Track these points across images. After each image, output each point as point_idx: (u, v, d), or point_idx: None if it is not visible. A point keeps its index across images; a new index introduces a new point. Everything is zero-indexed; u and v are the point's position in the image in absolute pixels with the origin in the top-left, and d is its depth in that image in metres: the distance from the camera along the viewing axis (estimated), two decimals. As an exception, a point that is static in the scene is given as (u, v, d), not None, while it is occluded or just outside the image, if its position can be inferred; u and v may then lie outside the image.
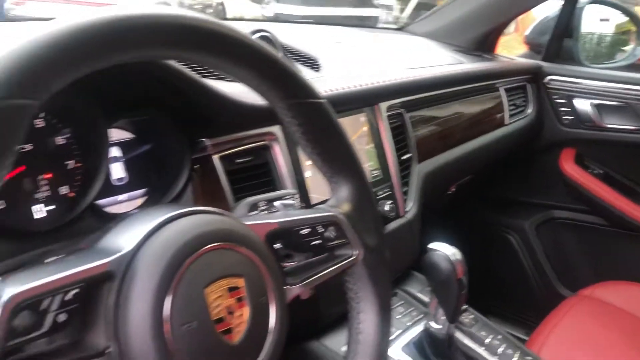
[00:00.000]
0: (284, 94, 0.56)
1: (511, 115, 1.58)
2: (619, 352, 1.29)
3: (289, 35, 1.15)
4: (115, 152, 0.75)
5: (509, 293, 1.93)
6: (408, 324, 1.00)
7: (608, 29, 2.02)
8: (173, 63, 0.69)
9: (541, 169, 1.81)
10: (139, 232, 0.47)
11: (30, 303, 0.39)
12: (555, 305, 1.45)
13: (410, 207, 1.13)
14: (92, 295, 0.43)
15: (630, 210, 1.64)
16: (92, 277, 0.42)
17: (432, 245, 0.90)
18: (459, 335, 0.99)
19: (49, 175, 0.68)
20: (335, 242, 0.62)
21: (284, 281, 0.56)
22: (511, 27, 2.14)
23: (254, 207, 0.63)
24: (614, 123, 1.60)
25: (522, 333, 1.84)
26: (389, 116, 1.10)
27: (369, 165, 1.05)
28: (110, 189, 0.73)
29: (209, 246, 0.48)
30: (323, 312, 0.90)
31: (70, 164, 0.70)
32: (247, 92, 0.83)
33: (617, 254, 1.75)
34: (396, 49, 1.51)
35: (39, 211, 0.67)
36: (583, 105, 1.64)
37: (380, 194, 1.05)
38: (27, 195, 0.66)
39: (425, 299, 1.07)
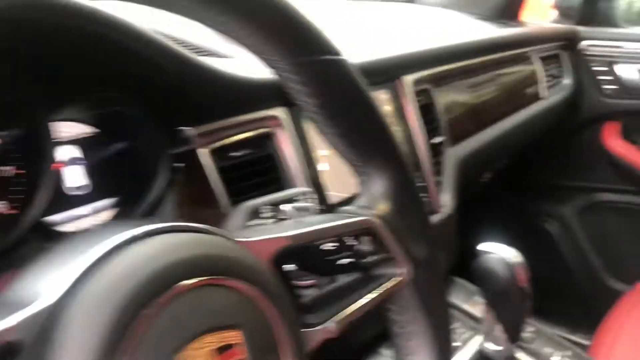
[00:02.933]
0: (290, 50, 0.38)
1: (547, 88, 1.38)
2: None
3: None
4: (71, 152, 0.57)
5: (551, 291, 1.73)
6: (456, 344, 0.82)
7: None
8: (137, 26, 0.51)
9: (581, 147, 1.61)
10: (71, 270, 0.29)
11: None
12: (606, 301, 1.27)
13: (446, 201, 0.94)
14: None
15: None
16: None
17: (483, 247, 0.71)
18: (520, 356, 0.81)
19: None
20: (372, 257, 0.44)
21: (302, 322, 0.38)
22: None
23: (254, 214, 0.44)
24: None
25: (569, 333, 1.65)
26: (415, 92, 0.92)
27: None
28: (66, 201, 0.55)
29: (183, 283, 0.30)
30: (355, 339, 0.72)
31: (6, 170, 0.52)
32: (241, 66, 0.66)
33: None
34: (412, 19, 1.33)
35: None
36: (626, 71, 1.44)
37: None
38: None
39: (473, 310, 0.89)
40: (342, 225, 0.42)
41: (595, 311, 1.28)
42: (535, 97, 1.34)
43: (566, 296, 1.69)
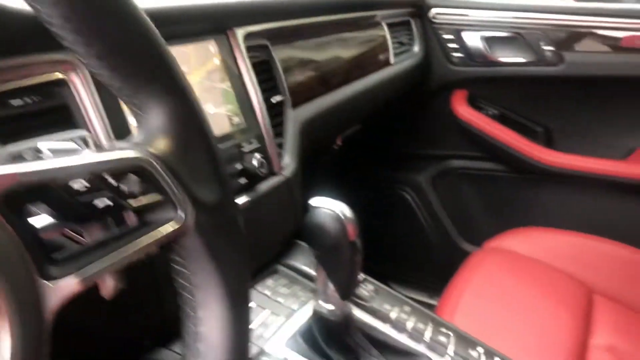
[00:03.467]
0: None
1: (396, 55, 1.39)
2: (537, 305, 1.15)
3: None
4: None
5: (409, 255, 1.78)
6: (295, 307, 0.78)
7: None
8: None
9: (433, 116, 1.65)
10: None
11: None
12: (458, 263, 1.30)
13: (288, 163, 0.90)
14: None
15: (530, 151, 1.52)
16: None
17: (314, 202, 0.68)
18: (357, 313, 0.79)
19: None
20: (141, 200, 0.37)
21: (44, 273, 0.31)
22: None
23: (19, 157, 0.36)
24: (506, 56, 1.46)
25: (427, 297, 1.70)
26: (249, 47, 0.86)
27: (227, 110, 0.80)
28: None
29: None
30: (169, 309, 0.66)
31: None
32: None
33: (520, 201, 1.64)
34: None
35: None
36: (472, 39, 1.49)
37: (246, 147, 0.81)
38: None
39: (314, 273, 0.85)
40: (101, 162, 0.35)
41: (448, 273, 1.31)
42: (385, 63, 1.34)
43: (422, 261, 1.74)
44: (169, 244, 0.40)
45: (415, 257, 1.76)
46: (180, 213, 0.39)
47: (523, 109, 1.58)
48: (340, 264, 0.68)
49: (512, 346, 0.85)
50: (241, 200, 0.77)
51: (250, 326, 0.44)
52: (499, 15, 1.43)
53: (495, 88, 1.57)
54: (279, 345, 0.70)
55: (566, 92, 1.52)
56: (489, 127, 1.54)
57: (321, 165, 1.36)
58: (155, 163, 0.37)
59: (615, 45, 1.37)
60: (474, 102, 1.58)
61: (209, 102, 0.77)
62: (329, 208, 0.66)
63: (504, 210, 1.66)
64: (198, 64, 0.76)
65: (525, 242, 1.37)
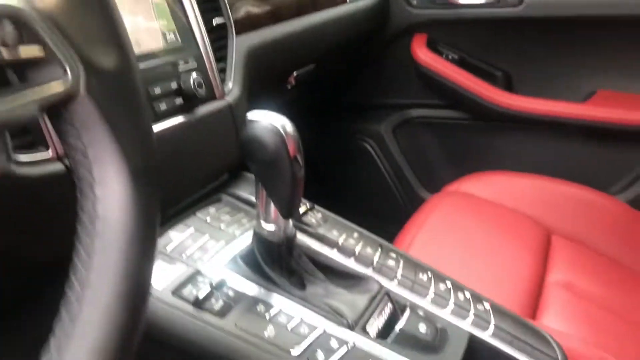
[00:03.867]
0: None
1: (352, -7, 1.34)
2: (494, 243, 1.14)
3: None
4: None
5: (370, 205, 1.76)
6: (237, 233, 0.74)
7: None
8: None
9: (393, 63, 1.61)
10: None
11: None
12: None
13: (231, 88, 0.85)
14: None
15: (489, 95, 1.50)
16: None
17: (252, 115, 0.63)
18: (302, 238, 0.75)
19: None
20: (20, 52, 0.33)
21: None
22: None
23: None
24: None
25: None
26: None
27: (161, 25, 0.75)
28: None
29: None
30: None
31: None
32: None
33: (480, 147, 1.63)
34: None
35: None
36: (431, -20, 1.45)
37: (182, 66, 0.76)
38: None
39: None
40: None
41: (408, 219, 1.29)
42: (338, 1, 1.29)
43: (383, 210, 1.72)
44: (58, 111, 0.35)
45: (377, 206, 1.74)
46: (69, 74, 0.34)
47: (483, 53, 1.55)
48: (280, 180, 0.63)
49: (467, 279, 0.83)
50: (177, 120, 0.72)
51: (155, 215, 0.40)
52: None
53: (455, 32, 1.54)
54: (216, 267, 0.66)
55: (526, 34, 1.50)
56: (448, 71, 1.51)
57: (275, 107, 1.31)
58: (35, 12, 0.32)
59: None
60: (434, 47, 1.55)
61: (140, 15, 0.72)
62: (267, 121, 0.62)
63: (465, 157, 1.64)
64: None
65: (485, 185, 1.35)
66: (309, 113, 1.61)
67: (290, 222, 0.68)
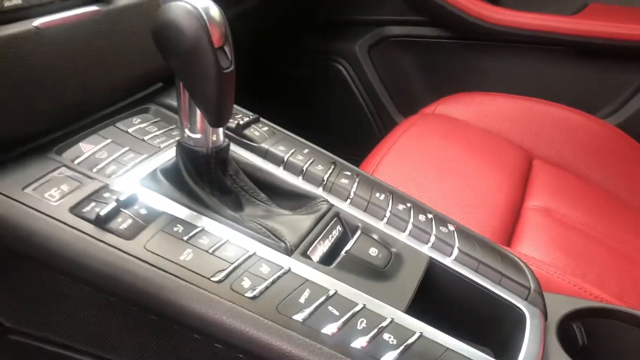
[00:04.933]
0: None
1: None
2: (471, 166, 1.05)
3: None
4: None
5: (343, 129, 1.65)
6: (162, 145, 0.63)
7: None
8: None
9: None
10: None
11: None
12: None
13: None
14: None
15: (476, 10, 1.36)
16: None
17: (166, -3, 0.51)
18: (243, 153, 0.65)
19: None
20: None
21: None
22: None
23: None
24: None
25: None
26: None
27: None
28: None
29: None
30: None
31: None
32: None
33: (461, 68, 1.50)
34: None
35: None
36: None
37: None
38: None
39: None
40: None
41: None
42: None
43: (357, 134, 1.62)
44: None
45: (348, 132, 1.63)
46: None
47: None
48: (203, 78, 0.52)
49: (434, 204, 0.73)
50: (89, 7, 0.60)
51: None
52: None
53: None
54: (129, 182, 0.56)
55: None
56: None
57: (240, 21, 1.18)
58: None
59: None
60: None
61: None
62: (185, 1, 0.50)
63: (445, 79, 1.52)
64: None
65: (464, 107, 1.25)
66: (275, 26, 1.47)
67: (221, 131, 0.58)
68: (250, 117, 0.72)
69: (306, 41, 1.60)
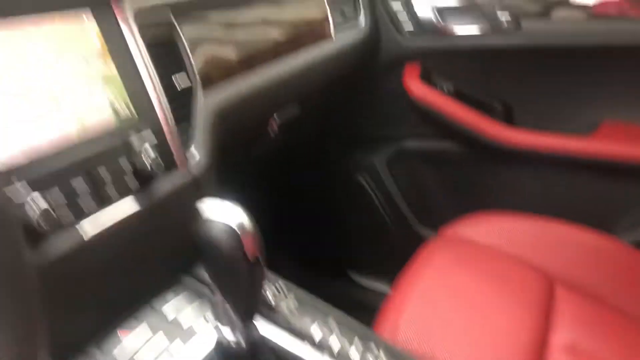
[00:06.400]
0: None
1: (338, 27, 1.25)
2: (493, 302, 1.06)
3: None
4: None
5: (365, 240, 1.67)
6: (201, 328, 0.66)
7: None
8: None
9: (385, 94, 1.52)
10: None
11: None
12: (416, 247, 1.21)
13: (196, 158, 0.77)
14: None
15: (490, 131, 1.40)
16: None
17: (203, 208, 0.55)
18: (273, 330, 0.67)
19: None
20: None
21: None
22: None
23: None
24: (458, 25, 1.34)
25: (385, 283, 1.61)
26: (145, 26, 0.72)
27: (110, 99, 0.67)
28: None
29: None
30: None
31: None
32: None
33: (479, 182, 1.53)
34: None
35: None
36: (423, 9, 1.36)
37: (137, 142, 0.67)
38: None
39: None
40: None
41: (405, 259, 1.21)
42: (324, 37, 1.21)
43: (379, 246, 1.64)
44: None
45: (372, 242, 1.66)
46: None
47: (480, 84, 1.46)
48: (238, 285, 0.56)
49: (463, 352, 0.75)
50: (131, 208, 0.64)
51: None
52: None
53: (449, 61, 1.45)
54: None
55: (524, 64, 1.41)
56: (444, 104, 1.43)
57: (257, 156, 1.23)
58: None
59: (586, 12, 1.27)
60: (428, 78, 1.46)
61: (83, 88, 0.64)
62: (221, 219, 0.54)
63: (462, 192, 1.55)
64: (69, 44, 0.62)
65: (483, 228, 1.27)
66: (296, 154, 1.52)
67: (256, 324, 0.61)
68: (283, 291, 0.74)
69: (325, 157, 1.65)
